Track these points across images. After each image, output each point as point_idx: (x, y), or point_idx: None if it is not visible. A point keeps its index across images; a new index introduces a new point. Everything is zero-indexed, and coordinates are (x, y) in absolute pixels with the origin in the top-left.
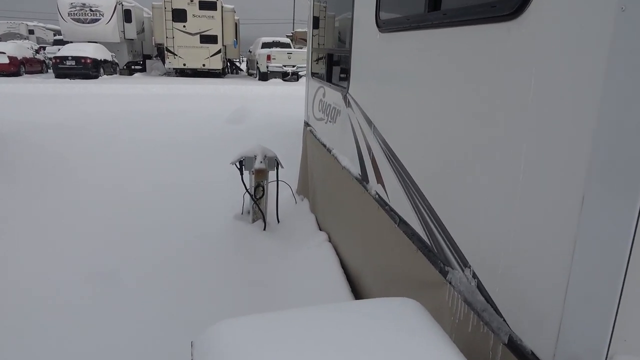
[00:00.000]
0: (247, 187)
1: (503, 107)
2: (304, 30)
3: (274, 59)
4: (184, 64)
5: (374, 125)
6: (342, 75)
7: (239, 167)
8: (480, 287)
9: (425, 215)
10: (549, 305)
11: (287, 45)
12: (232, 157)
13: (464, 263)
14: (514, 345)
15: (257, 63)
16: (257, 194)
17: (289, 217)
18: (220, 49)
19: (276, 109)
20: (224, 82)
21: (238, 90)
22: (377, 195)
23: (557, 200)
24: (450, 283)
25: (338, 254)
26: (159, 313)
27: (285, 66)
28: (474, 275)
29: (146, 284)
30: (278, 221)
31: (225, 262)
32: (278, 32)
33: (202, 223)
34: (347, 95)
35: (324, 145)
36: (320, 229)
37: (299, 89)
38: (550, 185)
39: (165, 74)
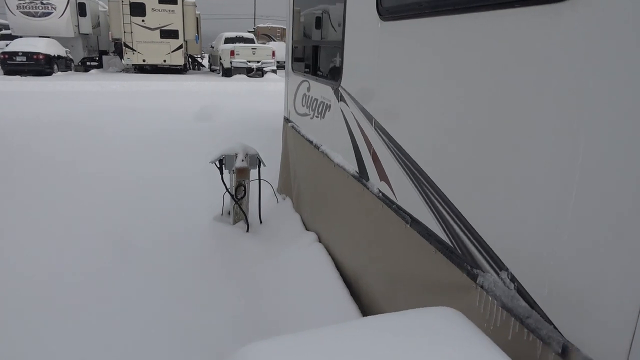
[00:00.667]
0: (228, 187)
1: (553, 97)
2: (266, 25)
3: (237, 54)
4: (144, 60)
5: (376, 121)
6: (331, 69)
7: (218, 166)
8: (521, 292)
9: (445, 214)
10: (618, 311)
11: (250, 41)
12: (208, 156)
13: (499, 265)
14: (570, 356)
15: (220, 59)
16: (239, 194)
17: (271, 217)
18: (181, 45)
19: (245, 105)
20: (187, 78)
21: (202, 87)
22: (380, 194)
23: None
24: (481, 287)
25: (330, 254)
26: (141, 325)
27: (249, 62)
28: (513, 279)
29: (124, 293)
30: (261, 222)
31: (209, 267)
32: (240, 28)
33: (180, 225)
34: (340, 89)
35: (311, 142)
36: (307, 229)
37: (265, 85)
38: (616, 173)
39: (123, 70)
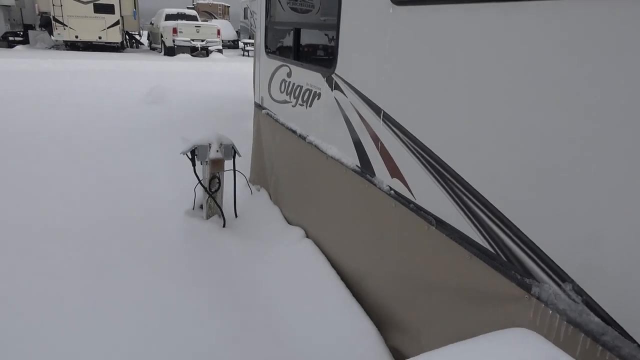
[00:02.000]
0: (200, 179)
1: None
2: (206, 2)
3: (180, 32)
4: (76, 37)
5: (386, 114)
6: (321, 54)
7: (190, 157)
8: (591, 306)
9: (483, 216)
10: None
11: (194, 18)
12: (166, 143)
13: (560, 276)
14: None
15: (162, 37)
16: (213, 187)
17: (247, 210)
18: (118, 20)
19: (196, 87)
20: (126, 57)
21: (144, 67)
22: (392, 191)
23: None
24: (537, 298)
25: (322, 251)
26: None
27: (193, 40)
28: (580, 291)
29: (86, 301)
30: (236, 215)
31: (187, 269)
32: (178, 4)
33: (147, 221)
34: (334, 76)
35: (294, 131)
36: (290, 223)
37: (212, 65)
38: None
39: (53, 47)
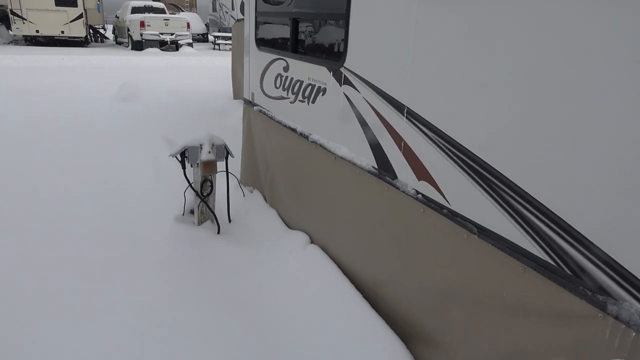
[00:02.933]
0: (191, 183)
1: None
2: None
3: (148, 25)
4: (37, 31)
5: (410, 110)
6: (326, 46)
7: (180, 159)
8: None
9: (540, 224)
10: None
11: (162, 11)
12: (146, 144)
13: None
14: None
15: (129, 30)
16: (205, 191)
17: (241, 214)
18: (81, 14)
19: (169, 82)
20: (91, 52)
21: (112, 62)
22: (419, 195)
23: None
24: (616, 318)
25: (331, 257)
26: None
27: (162, 34)
28: None
29: (68, 324)
30: (230, 220)
31: (181, 282)
32: None
33: (133, 229)
34: (342, 70)
35: (293, 130)
36: (289, 227)
37: (184, 60)
38: None
39: (12, 42)
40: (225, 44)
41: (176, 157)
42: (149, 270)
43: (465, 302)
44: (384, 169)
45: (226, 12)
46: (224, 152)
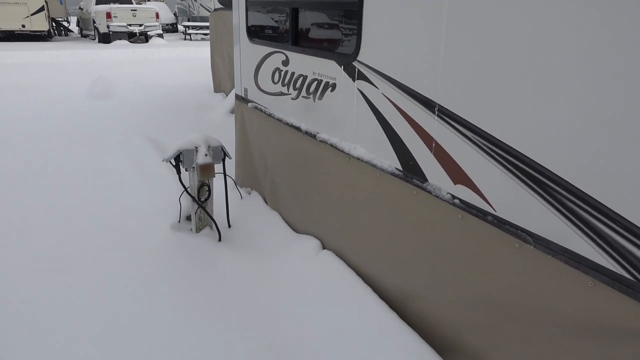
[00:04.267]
0: (187, 187)
1: None
2: None
3: (115, 17)
4: None
5: (443, 108)
6: (334, 38)
7: (174, 164)
8: None
9: (614, 235)
10: None
11: (128, 1)
12: (129, 145)
13: None
14: None
15: (94, 22)
16: (202, 196)
17: (240, 218)
18: (42, 6)
19: (142, 76)
20: (56, 46)
21: (81, 56)
22: (456, 200)
23: None
24: None
25: (349, 265)
26: None
27: (130, 25)
28: None
29: (63, 343)
30: (229, 225)
31: (183, 296)
32: None
33: (127, 240)
34: (356, 64)
35: (297, 128)
36: (296, 230)
37: (155, 52)
38: None
39: None
40: (197, 34)
41: (170, 161)
42: (148, 285)
43: (520, 318)
44: (411, 171)
45: (195, 1)
46: (221, 154)
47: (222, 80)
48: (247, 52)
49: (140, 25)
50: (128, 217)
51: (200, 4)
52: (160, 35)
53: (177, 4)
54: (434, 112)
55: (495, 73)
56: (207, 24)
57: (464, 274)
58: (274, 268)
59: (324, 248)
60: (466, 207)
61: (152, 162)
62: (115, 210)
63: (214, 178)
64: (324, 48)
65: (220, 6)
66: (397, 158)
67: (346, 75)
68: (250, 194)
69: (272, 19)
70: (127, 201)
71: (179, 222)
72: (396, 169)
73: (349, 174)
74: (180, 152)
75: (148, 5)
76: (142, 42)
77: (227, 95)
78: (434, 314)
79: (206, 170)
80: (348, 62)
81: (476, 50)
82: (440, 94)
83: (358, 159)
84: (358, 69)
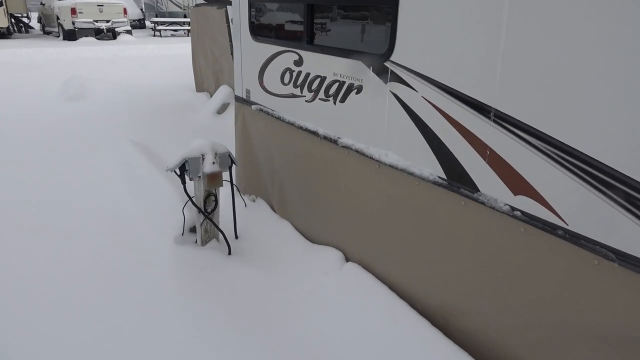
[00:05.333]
0: (193, 198)
1: None
2: None
3: (80, 12)
4: None
5: (500, 113)
6: (361, 36)
7: (179, 173)
8: None
9: None
10: None
11: None
12: (114, 150)
13: None
14: None
15: (58, 19)
16: (208, 207)
17: (247, 227)
18: (0, 1)
19: (116, 75)
20: (18, 44)
21: (46, 55)
22: (517, 212)
23: None
24: None
25: (380, 279)
26: None
27: (97, 21)
28: None
29: None
30: (236, 236)
31: (199, 319)
32: None
33: (127, 257)
34: (389, 65)
35: (313, 132)
36: (311, 240)
37: (124, 49)
38: None
39: None
40: (167, 30)
41: (174, 171)
42: (156, 305)
43: (599, 339)
44: (458, 180)
45: None
46: (228, 161)
47: (205, 79)
48: (249, 52)
49: (108, 21)
50: (127, 233)
51: (169, 0)
52: (128, 32)
53: (143, 0)
54: (488, 118)
55: (570, 73)
56: (177, 19)
57: (526, 291)
58: (294, 282)
59: (347, 260)
60: (530, 219)
61: (144, 170)
62: (112, 226)
63: (221, 187)
64: (347, 47)
65: (202, 1)
66: (440, 166)
67: (376, 76)
68: (254, 201)
69: (281, 16)
70: (124, 215)
71: (183, 234)
72: (439, 177)
73: (379, 182)
74: (186, 161)
75: (115, 0)
76: (110, 39)
77: (211, 95)
78: (485, 332)
79: (214, 179)
80: (378, 62)
81: (547, 47)
82: (497, 98)
83: (390, 166)
84: (391, 70)
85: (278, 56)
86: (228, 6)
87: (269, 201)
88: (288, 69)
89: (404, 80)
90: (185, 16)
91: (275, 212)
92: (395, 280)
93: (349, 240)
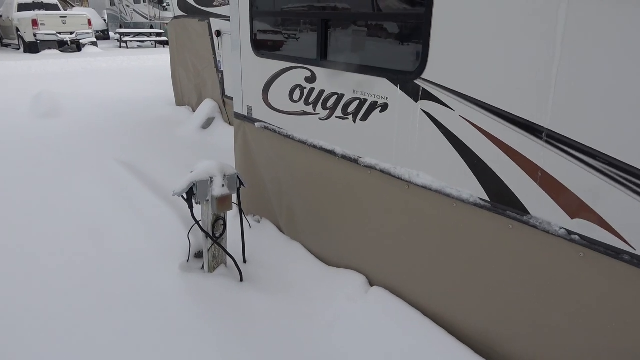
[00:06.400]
0: (200, 222)
1: None
2: None
3: (42, 24)
4: None
5: (555, 134)
6: (386, 52)
7: (186, 198)
8: None
9: None
10: None
11: (55, 7)
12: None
13: None
14: None
15: (18, 31)
16: (217, 231)
17: (256, 250)
18: None
19: (87, 89)
20: None
21: (8, 69)
22: (574, 236)
23: None
24: None
25: (411, 303)
26: None
27: (60, 33)
28: None
29: None
30: (244, 260)
31: (218, 349)
32: None
33: (134, 288)
34: (420, 82)
35: (330, 152)
36: (326, 262)
37: (91, 61)
38: None
39: None
40: (133, 41)
41: (182, 196)
42: (168, 342)
43: None
44: (503, 202)
45: (127, 6)
46: (237, 183)
47: (186, 93)
48: (252, 67)
49: (72, 32)
50: (128, 262)
51: (134, 10)
52: (94, 44)
53: (106, 10)
54: (540, 138)
55: (632, 90)
56: (144, 30)
57: (587, 320)
58: (316, 310)
59: (371, 284)
60: (589, 244)
61: (135, 190)
62: (111, 256)
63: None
64: (368, 64)
65: (182, 13)
66: (481, 187)
67: (404, 94)
68: (259, 222)
69: (289, 31)
70: (121, 243)
71: (188, 261)
72: (480, 199)
73: (409, 202)
74: (194, 184)
75: (79, 11)
76: (74, 51)
77: (194, 109)
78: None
79: (224, 203)
80: (407, 80)
81: (607, 63)
82: (550, 117)
83: (423, 187)
84: (423, 88)
85: (286, 72)
86: (211, 18)
87: (276, 222)
88: (298, 85)
89: (438, 99)
90: (152, 27)
91: (283, 233)
92: (429, 305)
93: (372, 263)
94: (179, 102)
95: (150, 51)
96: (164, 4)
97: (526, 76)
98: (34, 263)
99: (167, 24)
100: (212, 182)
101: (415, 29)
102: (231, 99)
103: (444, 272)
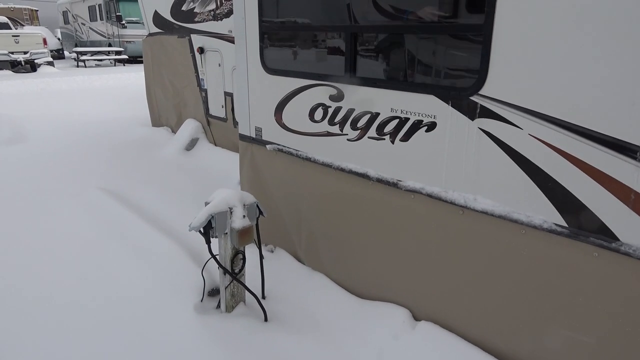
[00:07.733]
0: (215, 256)
1: None
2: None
3: None
4: None
5: None
6: (434, 66)
7: (203, 232)
8: None
9: None
10: None
11: (6, 26)
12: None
13: None
14: None
15: None
16: (236, 267)
17: (275, 284)
18: None
19: (52, 111)
20: None
21: None
22: None
23: None
24: None
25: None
26: None
27: (12, 53)
28: None
29: None
30: (263, 296)
31: None
32: None
33: (148, 336)
34: (478, 99)
35: (362, 175)
36: (360, 296)
37: (50, 82)
38: None
39: None
40: (91, 60)
41: (199, 230)
42: None
43: None
44: (585, 228)
45: (83, 24)
46: (256, 212)
47: (163, 113)
48: (261, 85)
49: (26, 52)
50: (134, 306)
51: (90, 28)
52: (50, 63)
53: (60, 29)
54: (634, 158)
55: None
56: (102, 49)
57: None
58: (358, 351)
59: (415, 318)
60: None
61: (133, 226)
62: (117, 303)
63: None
64: (410, 79)
65: (158, 30)
66: (557, 212)
67: (457, 112)
68: (272, 251)
69: (307, 45)
70: (123, 284)
71: (202, 301)
72: (555, 224)
73: (463, 230)
74: (212, 217)
75: (33, 30)
76: (28, 71)
77: (173, 130)
78: None
79: (245, 236)
80: (462, 96)
81: None
82: None
83: (483, 212)
84: (481, 105)
85: (305, 90)
86: (192, 35)
87: (293, 251)
88: (321, 104)
89: (501, 116)
90: (110, 45)
91: (303, 263)
92: (491, 341)
93: (417, 295)
94: (156, 122)
95: (110, 70)
96: (122, 22)
97: (611, 87)
98: (30, 322)
99: (127, 42)
100: (231, 213)
101: (471, 40)
102: (216, 118)
103: (511, 305)
